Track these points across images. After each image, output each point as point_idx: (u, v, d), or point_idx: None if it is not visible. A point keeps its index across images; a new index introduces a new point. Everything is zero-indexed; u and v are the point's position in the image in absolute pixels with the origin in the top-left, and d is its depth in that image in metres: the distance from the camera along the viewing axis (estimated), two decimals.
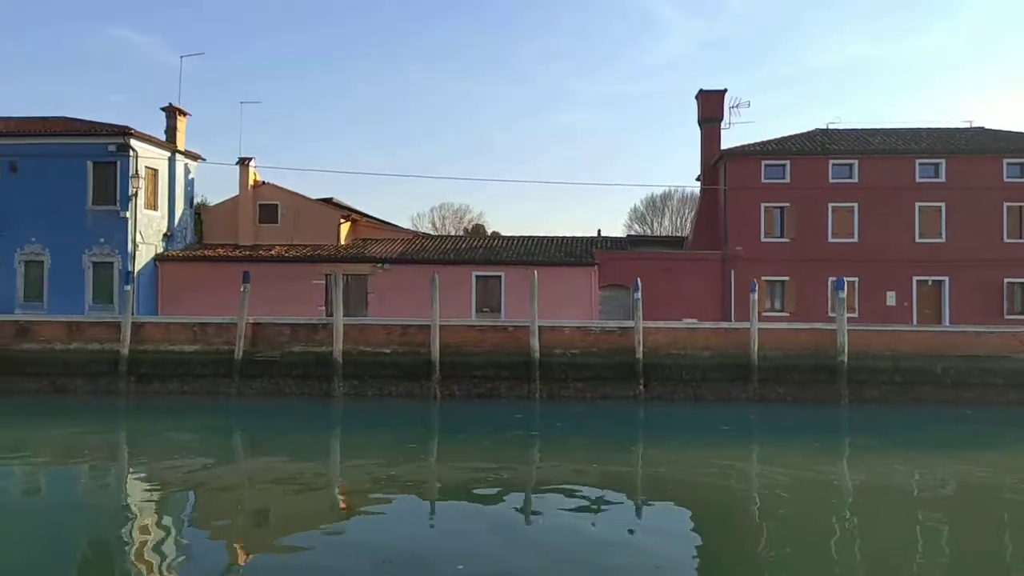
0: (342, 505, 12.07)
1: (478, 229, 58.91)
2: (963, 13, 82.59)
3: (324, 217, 32.20)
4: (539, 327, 21.14)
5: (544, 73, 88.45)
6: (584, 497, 11.94)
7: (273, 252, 30.00)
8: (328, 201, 33.08)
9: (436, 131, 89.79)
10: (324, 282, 29.50)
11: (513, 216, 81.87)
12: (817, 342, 21.31)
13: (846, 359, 20.79)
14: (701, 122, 31.28)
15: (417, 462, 15.25)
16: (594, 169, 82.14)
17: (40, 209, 27.41)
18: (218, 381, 21.32)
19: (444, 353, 21.08)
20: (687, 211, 60.98)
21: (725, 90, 30.80)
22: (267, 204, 31.98)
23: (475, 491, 12.44)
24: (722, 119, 30.84)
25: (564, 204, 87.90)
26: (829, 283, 27.82)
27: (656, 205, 61.44)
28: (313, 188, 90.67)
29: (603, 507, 11.47)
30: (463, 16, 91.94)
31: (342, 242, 31.86)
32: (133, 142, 27.47)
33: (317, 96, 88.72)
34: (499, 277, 29.11)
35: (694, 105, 31.89)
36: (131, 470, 14.75)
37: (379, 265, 29.19)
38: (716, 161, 30.22)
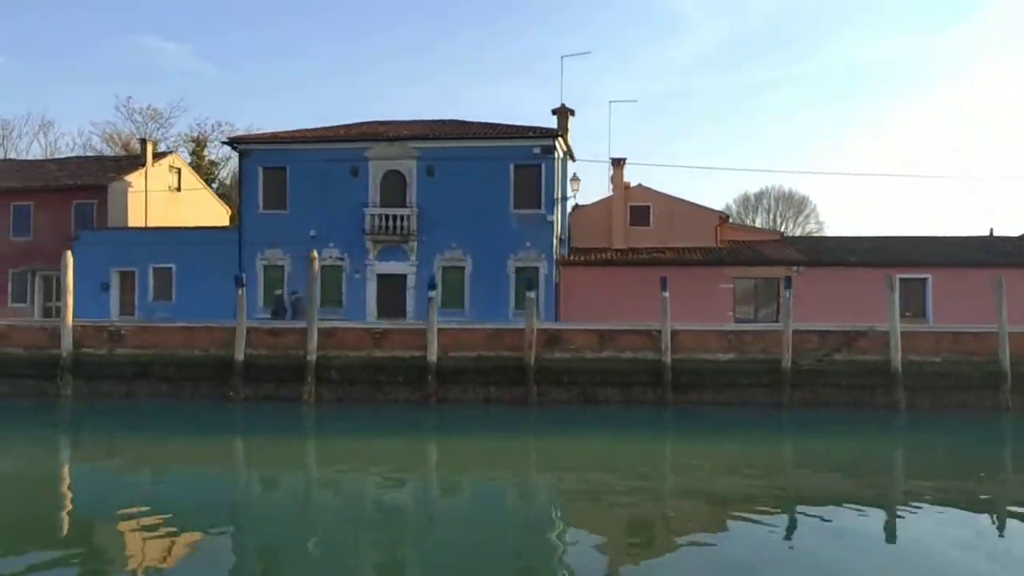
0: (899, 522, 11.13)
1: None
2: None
3: (699, 219, 31.10)
4: None
5: (568, 74, 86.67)
6: None
7: (670, 256, 29.07)
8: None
9: None
10: (732, 286, 28.51)
11: None
12: None
13: None
14: None
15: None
16: None
17: (460, 214, 27.03)
18: (755, 391, 20.30)
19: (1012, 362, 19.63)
20: (782, 207, 60.89)
21: None
22: (638, 206, 31.07)
23: None
24: None
25: None
26: None
27: (750, 203, 60.97)
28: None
29: None
30: (486, 20, 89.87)
31: (717, 244, 30.77)
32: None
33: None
34: (924, 280, 27.53)
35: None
36: (678, 483, 14.06)
37: (795, 268, 27.95)
38: None
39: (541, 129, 26.84)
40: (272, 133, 28.27)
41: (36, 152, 52.80)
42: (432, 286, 20.70)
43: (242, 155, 28.17)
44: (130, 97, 74.54)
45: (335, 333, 21.11)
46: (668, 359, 20.19)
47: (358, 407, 20.43)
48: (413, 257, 27.34)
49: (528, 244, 26.90)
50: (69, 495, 13.11)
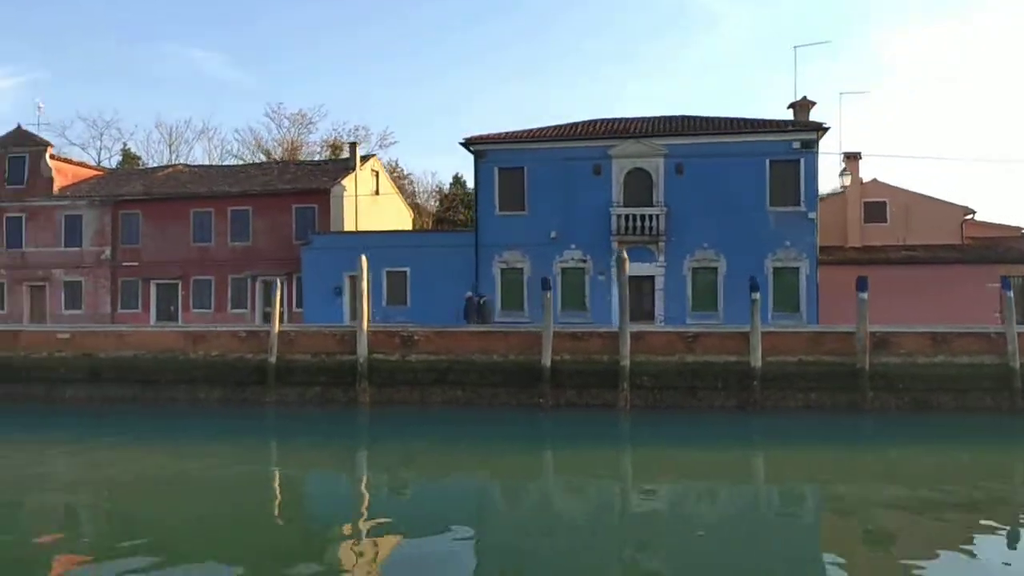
0: None
1: None
2: None
3: (940, 214, 29.48)
4: None
5: (600, 74, 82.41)
6: None
7: (923, 254, 27.53)
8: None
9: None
10: (999, 286, 26.77)
11: None
12: None
13: None
14: None
15: None
16: None
17: (711, 212, 25.98)
18: None
19: None
20: None
21: None
22: (873, 202, 29.60)
23: None
24: None
25: None
26: None
27: None
28: None
29: None
30: (506, 19, 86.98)
31: (963, 241, 29.09)
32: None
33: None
34: None
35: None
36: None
37: None
38: None
39: (801, 123, 25.64)
40: (508, 133, 27.66)
41: (198, 156, 53.80)
42: (755, 287, 19.69)
43: (477, 156, 27.62)
44: (281, 103, 75.72)
45: (643, 337, 20.28)
46: (1016, 364, 18.80)
47: (673, 413, 19.56)
48: (661, 258, 26.38)
49: (787, 243, 25.70)
50: (381, 504, 12.67)
